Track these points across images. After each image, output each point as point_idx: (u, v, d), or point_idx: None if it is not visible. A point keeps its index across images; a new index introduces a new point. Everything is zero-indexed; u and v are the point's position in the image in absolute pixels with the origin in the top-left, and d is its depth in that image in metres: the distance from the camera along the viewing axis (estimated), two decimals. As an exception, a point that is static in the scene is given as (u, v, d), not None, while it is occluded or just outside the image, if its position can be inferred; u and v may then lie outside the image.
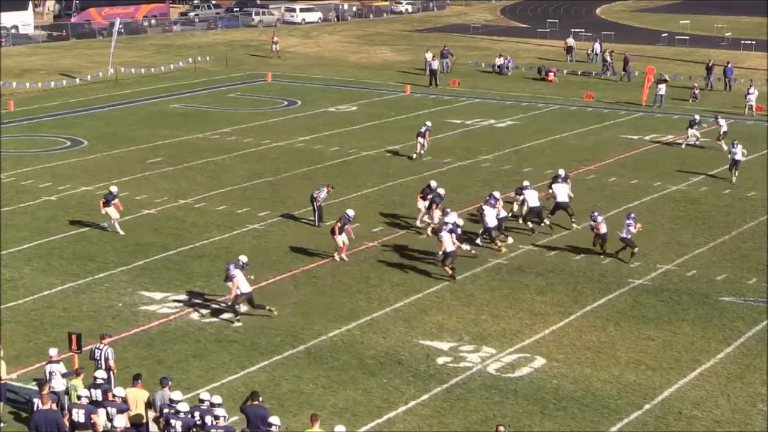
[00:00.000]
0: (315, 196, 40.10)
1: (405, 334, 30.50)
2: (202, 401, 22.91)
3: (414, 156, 50.20)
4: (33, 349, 29.26)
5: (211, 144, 54.36)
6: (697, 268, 36.02)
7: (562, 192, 39.97)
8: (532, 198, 39.50)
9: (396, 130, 57.44)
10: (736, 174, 46.92)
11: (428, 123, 51.35)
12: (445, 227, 35.18)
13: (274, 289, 34.01)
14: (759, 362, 28.72)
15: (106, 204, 38.96)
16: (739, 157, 46.67)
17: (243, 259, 32.18)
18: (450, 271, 34.64)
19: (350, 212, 36.73)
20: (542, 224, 39.65)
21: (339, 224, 36.39)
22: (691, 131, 53.50)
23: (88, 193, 44.69)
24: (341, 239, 36.42)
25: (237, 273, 31.00)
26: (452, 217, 36.29)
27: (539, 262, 36.55)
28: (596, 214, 37.68)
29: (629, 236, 36.20)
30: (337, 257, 36.51)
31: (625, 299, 33.32)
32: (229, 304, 31.47)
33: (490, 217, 37.31)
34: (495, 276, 35.15)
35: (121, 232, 39.07)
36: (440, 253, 34.71)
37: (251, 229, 39.91)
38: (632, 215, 36.89)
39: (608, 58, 77.84)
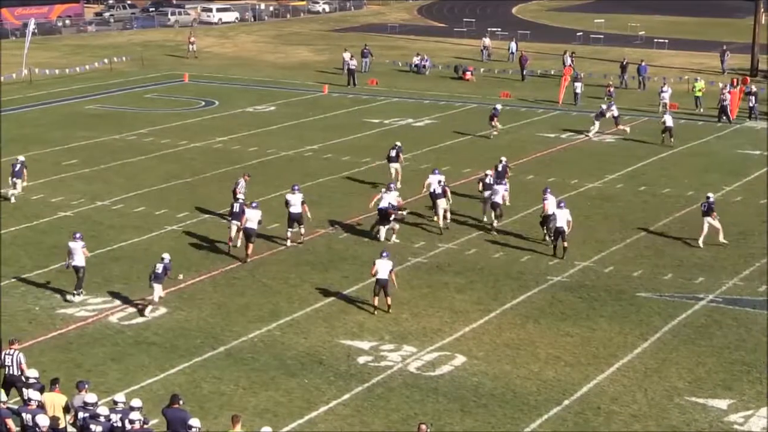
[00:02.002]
0: (234, 189, 39.96)
1: (326, 334, 30.50)
2: (116, 403, 22.72)
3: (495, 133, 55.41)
4: (-52, 354, 28.78)
5: (127, 145, 53.90)
6: (614, 265, 36.43)
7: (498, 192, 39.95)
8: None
9: (314, 129, 57.37)
10: (672, 140, 53.41)
11: (498, 106, 56.61)
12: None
13: (192, 291, 33.82)
14: (675, 356, 29.13)
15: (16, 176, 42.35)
16: (670, 123, 53.14)
17: (166, 257, 31.95)
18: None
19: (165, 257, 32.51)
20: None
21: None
22: (597, 122, 55.95)
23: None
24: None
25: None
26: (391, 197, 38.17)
27: (458, 260, 36.72)
28: (548, 189, 39.30)
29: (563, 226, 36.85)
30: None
31: (544, 296, 33.60)
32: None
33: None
34: (414, 275, 35.24)
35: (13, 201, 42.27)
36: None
37: (170, 231, 39.63)
38: (561, 203, 37.81)
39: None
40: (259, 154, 51.79)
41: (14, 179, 43.57)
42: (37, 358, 28.16)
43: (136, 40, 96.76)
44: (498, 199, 39.79)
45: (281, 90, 70.18)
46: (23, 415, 22.62)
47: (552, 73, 76.40)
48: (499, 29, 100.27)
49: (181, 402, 23.01)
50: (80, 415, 22.60)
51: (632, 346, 29.82)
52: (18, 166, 43.73)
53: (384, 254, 32.36)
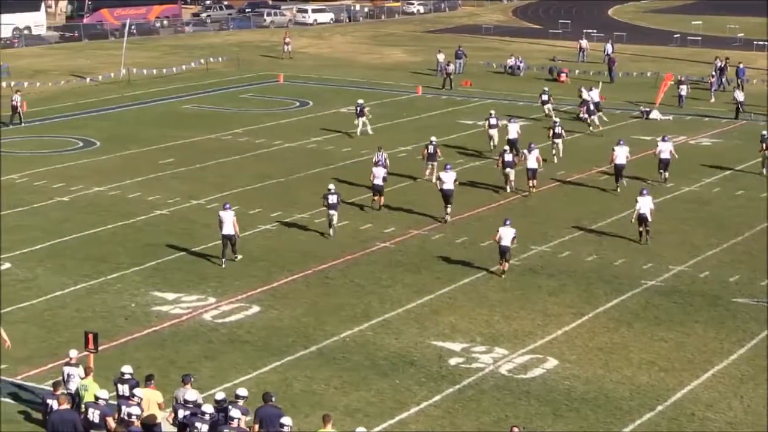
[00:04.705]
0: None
1: (417, 335, 30.50)
2: (217, 402, 22.87)
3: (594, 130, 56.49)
4: (46, 349, 29.29)
5: (222, 145, 54.40)
6: (709, 269, 35.97)
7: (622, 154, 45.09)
8: (532, 160, 43.96)
9: (408, 130, 57.39)
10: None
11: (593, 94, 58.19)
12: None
13: (285, 290, 34.04)
14: (772, 363, 28.69)
15: None
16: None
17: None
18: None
19: None
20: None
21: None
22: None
23: (100, 193, 44.76)
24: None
25: None
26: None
27: (551, 263, 36.52)
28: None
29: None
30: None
31: (638, 300, 33.28)
32: None
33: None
34: (507, 277, 35.11)
35: None
36: None
37: (263, 230, 39.91)
38: (644, 191, 38.93)
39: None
40: (352, 154, 51.94)
41: None
42: (131, 355, 28.57)
43: (232, 41, 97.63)
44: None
45: (375, 91, 70.34)
46: (123, 408, 22.84)
47: (648, 75, 75.57)
48: (595, 31, 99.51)
49: (272, 400, 23.16)
50: (180, 412, 22.80)
51: (728, 352, 29.42)
52: None
53: (507, 222, 34.91)
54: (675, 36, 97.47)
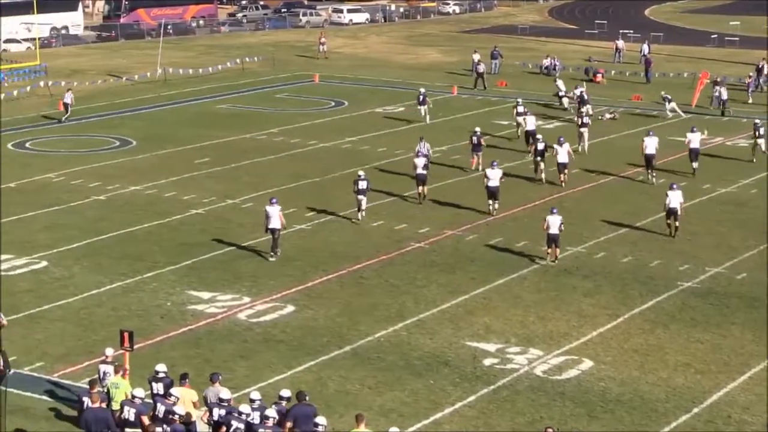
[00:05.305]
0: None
1: (452, 335, 30.47)
2: (252, 401, 22.93)
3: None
4: (82, 347, 29.46)
5: (258, 144, 54.53)
6: (746, 271, 35.75)
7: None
8: (563, 154, 45.50)
9: (444, 131, 57.31)
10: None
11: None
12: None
13: (320, 290, 34.08)
14: (809, 366, 28.48)
15: None
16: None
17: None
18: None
19: None
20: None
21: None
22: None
23: (136, 192, 44.96)
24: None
25: None
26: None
27: (586, 264, 36.42)
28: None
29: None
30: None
31: (674, 302, 33.12)
32: None
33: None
34: (542, 278, 35.05)
35: None
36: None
37: (298, 230, 39.98)
38: (674, 185, 39.47)
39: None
40: (387, 154, 51.95)
41: None
42: (167, 353, 28.68)
43: (268, 41, 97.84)
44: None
45: (410, 91, 70.20)
46: (158, 406, 22.94)
47: (685, 75, 75.14)
48: (632, 31, 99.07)
49: (306, 398, 23.19)
50: (215, 411, 22.84)
51: (765, 355, 29.21)
52: None
53: (554, 210, 36.25)
54: (712, 36, 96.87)
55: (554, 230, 35.83)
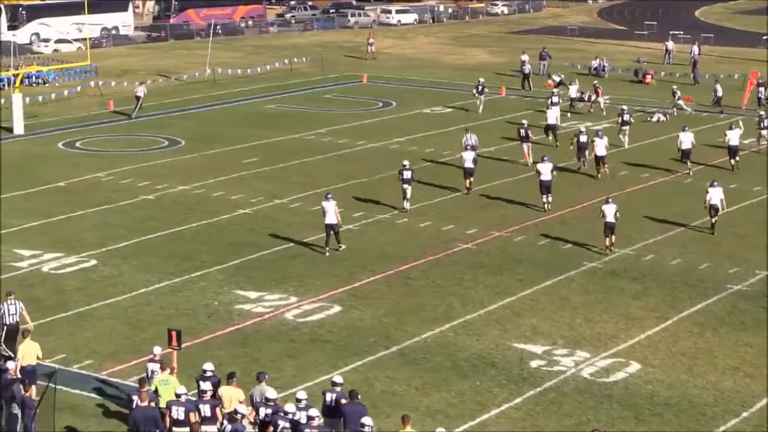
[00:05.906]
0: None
1: (498, 337, 30.42)
2: (299, 400, 22.98)
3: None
4: (130, 345, 29.66)
5: (306, 144, 54.66)
6: (797, 275, 35.47)
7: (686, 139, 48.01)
8: (600, 147, 46.94)
9: (492, 132, 57.16)
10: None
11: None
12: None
13: (367, 290, 34.11)
14: None
15: None
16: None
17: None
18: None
19: None
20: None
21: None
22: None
23: (185, 192, 45.20)
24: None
25: None
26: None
27: (634, 266, 36.23)
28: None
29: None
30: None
31: (723, 305, 32.89)
32: None
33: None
34: (590, 280, 34.90)
35: None
36: None
37: (345, 230, 40.00)
38: (715, 182, 39.79)
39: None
40: (435, 155, 51.91)
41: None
42: (214, 352, 28.82)
43: (316, 41, 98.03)
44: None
45: (458, 92, 70.15)
46: (200, 406, 23.10)
47: (736, 77, 74.54)
48: (682, 32, 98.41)
49: (358, 397, 23.25)
50: (262, 410, 22.92)
51: (815, 359, 28.98)
52: None
53: (608, 200, 37.40)
54: (763, 38, 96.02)
55: (610, 218, 36.67)
